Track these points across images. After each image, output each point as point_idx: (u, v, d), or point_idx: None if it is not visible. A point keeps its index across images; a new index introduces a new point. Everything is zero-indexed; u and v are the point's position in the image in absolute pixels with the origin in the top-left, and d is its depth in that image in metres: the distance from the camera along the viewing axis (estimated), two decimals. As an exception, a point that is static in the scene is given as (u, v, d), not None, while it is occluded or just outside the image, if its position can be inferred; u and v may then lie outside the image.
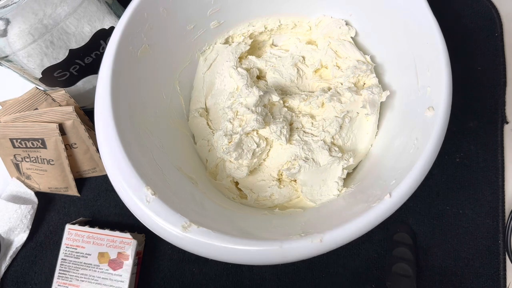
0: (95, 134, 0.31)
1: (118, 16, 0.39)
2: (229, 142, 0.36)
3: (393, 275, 0.39)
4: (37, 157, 0.42)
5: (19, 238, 0.43)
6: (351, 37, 0.41)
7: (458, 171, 0.43)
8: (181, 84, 0.41)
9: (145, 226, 0.28)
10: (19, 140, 0.41)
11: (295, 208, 0.36)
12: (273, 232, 0.30)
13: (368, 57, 0.39)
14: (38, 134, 0.41)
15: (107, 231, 0.40)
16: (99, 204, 0.44)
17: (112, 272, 0.38)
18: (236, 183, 0.39)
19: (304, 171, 0.36)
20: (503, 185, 0.42)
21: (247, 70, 0.41)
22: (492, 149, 0.43)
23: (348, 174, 0.37)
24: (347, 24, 0.40)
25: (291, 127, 0.38)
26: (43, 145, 0.41)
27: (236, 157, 0.35)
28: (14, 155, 0.43)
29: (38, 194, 0.44)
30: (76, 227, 0.40)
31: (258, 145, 0.36)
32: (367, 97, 0.37)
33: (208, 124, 0.40)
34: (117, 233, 0.39)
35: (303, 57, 0.42)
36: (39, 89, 0.42)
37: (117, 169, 0.29)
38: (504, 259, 0.40)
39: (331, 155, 0.36)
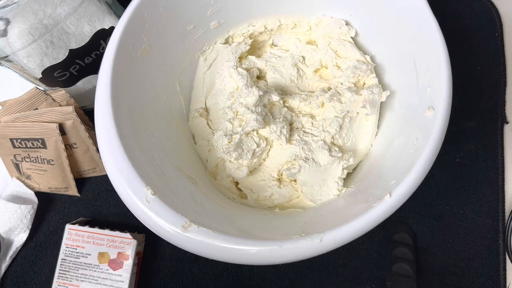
0: (95, 134, 0.31)
1: (118, 16, 0.39)
2: (229, 142, 0.36)
3: (393, 275, 0.39)
4: (37, 157, 0.42)
5: (19, 238, 0.43)
6: (351, 37, 0.41)
7: (458, 171, 0.43)
8: (181, 84, 0.41)
9: (145, 226, 0.28)
10: (19, 140, 0.41)
11: (295, 208, 0.36)
12: (273, 232, 0.30)
13: (368, 57, 0.39)
14: (38, 134, 0.41)
15: (107, 231, 0.40)
16: (99, 204, 0.44)
17: (112, 272, 0.38)
18: (236, 183, 0.39)
19: (304, 171, 0.36)
20: (503, 185, 0.42)
21: (247, 70, 0.41)
22: (492, 149, 0.43)
23: (348, 174, 0.37)
24: (347, 24, 0.40)
25: (291, 127, 0.38)
26: (43, 145, 0.41)
27: (236, 157, 0.35)
28: (14, 155, 0.43)
29: (38, 194, 0.44)
30: (76, 227, 0.40)
31: (258, 145, 0.36)
32: (367, 97, 0.37)
33: (208, 124, 0.40)
34: (117, 233, 0.39)
35: (303, 57, 0.42)
36: (39, 89, 0.42)
37: (117, 169, 0.29)
38: (504, 259, 0.40)
39: (331, 155, 0.36)
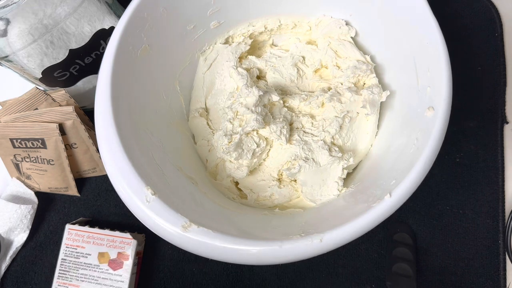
0: (95, 134, 0.31)
1: (118, 16, 0.39)
2: (229, 142, 0.36)
3: (393, 275, 0.39)
4: (37, 157, 0.42)
5: (19, 238, 0.43)
6: (351, 37, 0.41)
7: (458, 171, 0.43)
8: (181, 84, 0.41)
9: (145, 226, 0.28)
10: (19, 140, 0.41)
11: (295, 208, 0.36)
12: (273, 232, 0.30)
13: (368, 57, 0.39)
14: (38, 134, 0.41)
15: (107, 231, 0.40)
16: (99, 204, 0.44)
17: (112, 272, 0.38)
18: (236, 183, 0.39)
19: (304, 171, 0.36)
20: (503, 185, 0.42)
21: (247, 70, 0.41)
22: (492, 149, 0.43)
23: (348, 174, 0.37)
24: (347, 24, 0.40)
25: (291, 127, 0.38)
26: (43, 145, 0.41)
27: (236, 157, 0.35)
28: (14, 155, 0.43)
29: (38, 194, 0.44)
30: (76, 227, 0.40)
31: (258, 145, 0.36)
32: (367, 97, 0.37)
33: (208, 124, 0.40)
34: (117, 233, 0.39)
35: (303, 57, 0.42)
36: (39, 89, 0.42)
37: (117, 169, 0.29)
38: (504, 259, 0.40)
39: (331, 155, 0.36)
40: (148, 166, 0.31)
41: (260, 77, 0.43)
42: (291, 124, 0.38)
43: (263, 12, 0.41)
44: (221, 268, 0.41)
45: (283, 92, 0.41)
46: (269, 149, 0.38)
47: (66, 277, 0.39)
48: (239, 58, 0.41)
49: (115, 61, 0.32)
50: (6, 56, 0.35)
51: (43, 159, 0.42)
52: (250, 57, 0.43)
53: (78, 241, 0.39)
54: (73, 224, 0.40)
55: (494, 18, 0.47)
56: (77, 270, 0.39)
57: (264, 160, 0.38)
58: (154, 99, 0.37)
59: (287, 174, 0.36)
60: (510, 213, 0.41)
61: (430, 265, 0.40)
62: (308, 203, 0.36)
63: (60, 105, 0.42)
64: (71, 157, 0.43)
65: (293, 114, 0.39)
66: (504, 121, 0.44)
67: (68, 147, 0.42)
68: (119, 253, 0.39)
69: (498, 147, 0.43)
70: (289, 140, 0.37)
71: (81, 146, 0.42)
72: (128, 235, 0.39)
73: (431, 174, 0.29)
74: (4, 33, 0.33)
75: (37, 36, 0.34)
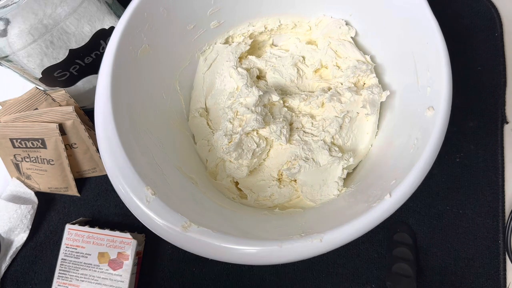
0: (95, 134, 0.31)
1: (118, 16, 0.39)
2: (229, 142, 0.36)
3: (393, 275, 0.39)
4: (37, 157, 0.42)
5: (19, 238, 0.43)
6: (351, 37, 0.41)
7: (458, 171, 0.43)
8: (181, 84, 0.41)
9: (145, 226, 0.28)
10: (19, 140, 0.41)
11: (295, 208, 0.36)
12: (273, 232, 0.30)
13: (368, 57, 0.39)
14: (38, 134, 0.41)
15: (107, 231, 0.40)
16: (99, 204, 0.44)
17: (112, 272, 0.38)
18: (236, 183, 0.39)
19: (304, 171, 0.36)
20: (503, 185, 0.42)
21: (247, 70, 0.41)
22: (492, 149, 0.43)
23: (348, 174, 0.37)
24: (347, 24, 0.40)
25: (291, 127, 0.38)
26: (43, 145, 0.41)
27: (236, 157, 0.36)
28: (14, 155, 0.43)
29: (38, 194, 0.44)
30: (76, 227, 0.40)
31: (258, 145, 0.36)
32: (367, 97, 0.37)
33: (208, 124, 0.40)
34: (117, 233, 0.39)
35: (303, 57, 0.42)
36: (39, 89, 0.42)
37: (117, 169, 0.29)
38: (504, 259, 0.40)
39: (331, 155, 0.36)
40: (148, 166, 0.31)
41: (260, 77, 0.43)
42: (291, 124, 0.38)
43: (263, 12, 0.41)
44: (221, 268, 0.41)
45: (283, 92, 0.41)
46: (269, 149, 0.38)
47: (66, 277, 0.39)
48: (239, 58, 0.41)
49: (115, 61, 0.32)
50: (6, 56, 0.35)
51: (43, 159, 0.42)
52: (250, 57, 0.43)
53: (78, 241, 0.39)
54: (73, 224, 0.40)
55: (494, 18, 0.47)
56: (77, 270, 0.39)
57: (264, 160, 0.38)
58: (154, 99, 0.37)
59: (287, 174, 0.36)
60: (510, 213, 0.41)
61: (430, 265, 0.40)
62: (308, 203, 0.36)
63: (60, 105, 0.42)
64: (71, 157, 0.43)
65: (293, 114, 0.39)
66: (504, 121, 0.44)
67: (68, 147, 0.42)
68: (119, 253, 0.39)
69: (498, 147, 0.43)
70: (289, 140, 0.37)
71: (81, 146, 0.42)
72: (128, 235, 0.39)
73: (431, 174, 0.29)
74: (4, 33, 0.33)
75: (37, 36, 0.34)
